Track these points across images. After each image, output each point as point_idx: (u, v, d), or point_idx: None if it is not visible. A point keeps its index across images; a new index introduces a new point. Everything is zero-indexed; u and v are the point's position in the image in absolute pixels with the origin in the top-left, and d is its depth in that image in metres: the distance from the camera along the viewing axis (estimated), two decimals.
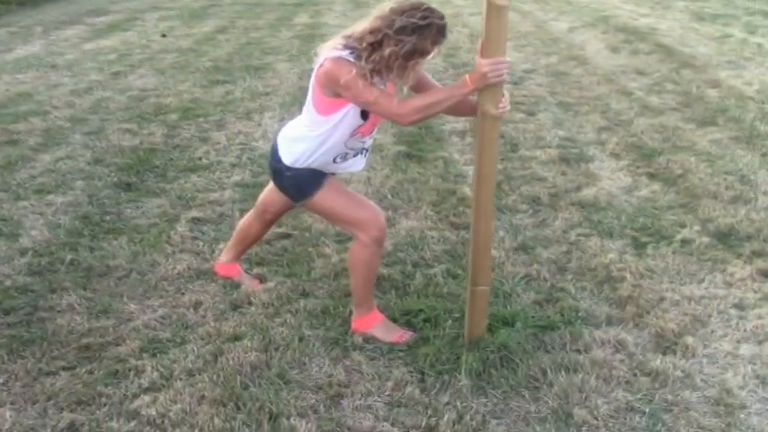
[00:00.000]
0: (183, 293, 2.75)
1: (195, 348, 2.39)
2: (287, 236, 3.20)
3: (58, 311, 2.58)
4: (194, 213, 3.42)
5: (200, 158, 4.17)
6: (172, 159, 4.14)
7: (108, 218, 3.40)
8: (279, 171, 2.32)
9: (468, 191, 3.62)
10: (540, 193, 3.60)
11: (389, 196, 3.57)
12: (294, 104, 5.30)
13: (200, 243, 3.15)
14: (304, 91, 5.23)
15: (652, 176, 3.75)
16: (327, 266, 2.90)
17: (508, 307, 2.55)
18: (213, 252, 3.05)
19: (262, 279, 2.82)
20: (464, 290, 2.55)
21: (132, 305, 2.66)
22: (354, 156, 2.32)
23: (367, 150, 2.42)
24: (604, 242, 3.06)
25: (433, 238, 3.16)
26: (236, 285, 2.78)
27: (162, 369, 2.25)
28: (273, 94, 5.48)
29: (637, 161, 3.97)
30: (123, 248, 3.08)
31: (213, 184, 3.80)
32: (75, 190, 3.66)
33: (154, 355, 2.33)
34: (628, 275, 2.79)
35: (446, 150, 4.25)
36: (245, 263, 2.90)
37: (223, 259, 2.85)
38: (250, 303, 2.67)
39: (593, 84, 5.60)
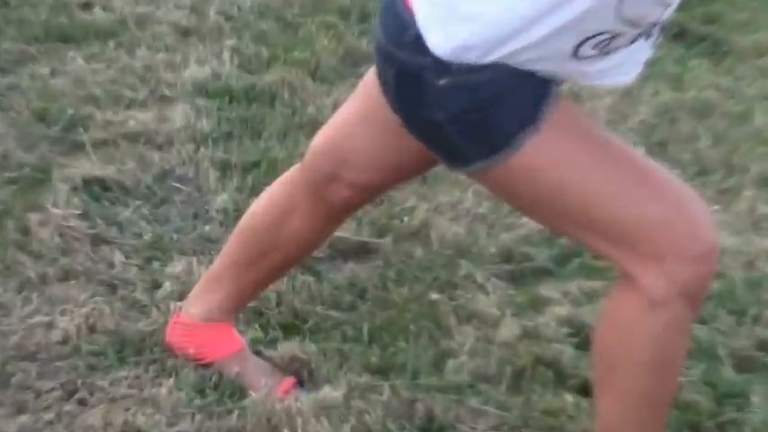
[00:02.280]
0: (84, 405, 2.60)
1: None
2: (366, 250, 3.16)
3: None
4: (87, 167, 3.41)
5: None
6: None
7: None
8: (415, 74, 2.19)
9: None
10: None
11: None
12: None
13: (118, 255, 3.07)
14: None
15: None
16: (479, 344, 2.87)
17: None
18: (155, 287, 2.97)
19: (299, 377, 2.74)
20: None
21: None
22: (632, 41, 2.22)
23: (663, 30, 2.32)
24: None
25: None
26: (233, 389, 2.66)
27: None
28: None
29: None
30: None
31: (123, 75, 3.89)
32: None
33: None
34: None
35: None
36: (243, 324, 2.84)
37: (195, 311, 2.76)
38: None
39: None
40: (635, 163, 2.26)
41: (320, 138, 2.55)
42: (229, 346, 2.72)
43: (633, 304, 2.19)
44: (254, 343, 2.77)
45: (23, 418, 2.57)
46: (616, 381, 2.26)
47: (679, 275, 2.13)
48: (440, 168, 2.52)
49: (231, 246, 2.72)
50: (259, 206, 2.69)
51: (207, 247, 3.07)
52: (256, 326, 2.85)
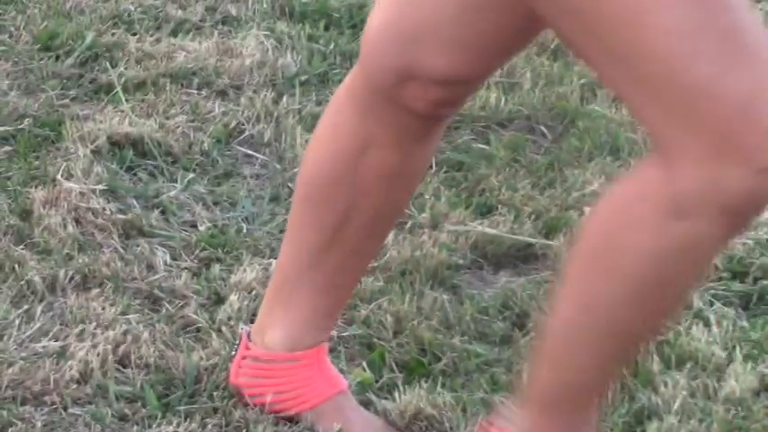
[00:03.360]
0: None
1: None
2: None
3: None
4: (114, 121, 3.47)
5: None
6: None
7: None
8: None
9: None
10: None
11: None
12: None
13: (161, 253, 3.07)
14: None
15: None
16: (696, 400, 2.81)
17: None
18: (216, 302, 2.93)
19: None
20: None
21: None
22: None
23: None
24: None
25: None
26: None
27: None
28: None
29: None
30: None
31: None
32: None
33: None
34: None
35: None
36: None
37: (271, 339, 2.68)
38: None
39: None
40: (732, 13, 2.05)
41: (373, 21, 2.40)
42: (325, 388, 2.56)
43: (652, 197, 2.11)
44: (360, 389, 2.61)
45: None
46: (582, 286, 2.20)
47: (732, 183, 2.03)
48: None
49: (294, 226, 2.58)
50: (316, 151, 2.56)
51: None
52: (364, 364, 2.69)
